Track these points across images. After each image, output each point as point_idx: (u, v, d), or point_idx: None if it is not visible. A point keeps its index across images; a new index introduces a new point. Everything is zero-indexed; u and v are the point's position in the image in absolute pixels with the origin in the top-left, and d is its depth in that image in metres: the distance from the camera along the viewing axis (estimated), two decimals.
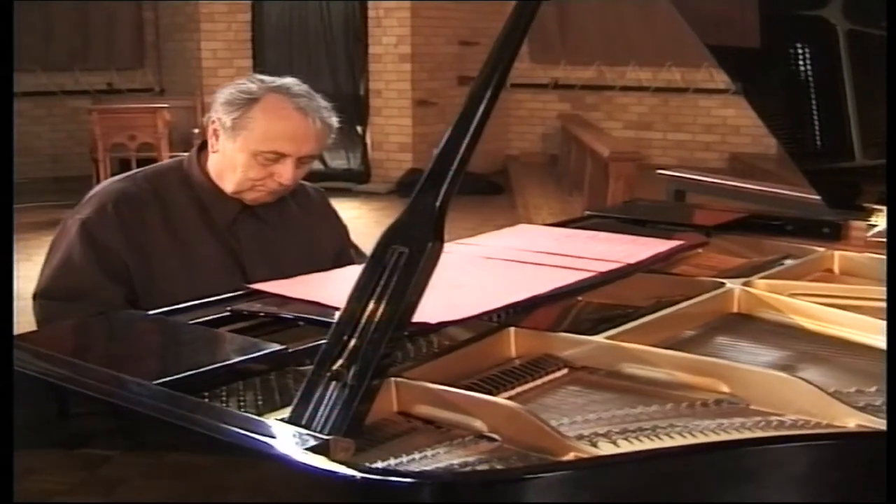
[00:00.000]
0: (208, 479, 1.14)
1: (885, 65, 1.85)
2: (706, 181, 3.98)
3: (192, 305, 1.62)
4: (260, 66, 9.91)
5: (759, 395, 1.35)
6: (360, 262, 2.22)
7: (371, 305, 1.09)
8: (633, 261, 1.83)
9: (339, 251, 2.33)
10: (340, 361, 1.06)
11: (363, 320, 1.09)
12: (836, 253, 2.16)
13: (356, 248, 2.41)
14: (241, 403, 1.33)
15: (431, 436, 1.27)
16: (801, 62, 2.18)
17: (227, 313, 1.55)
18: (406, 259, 1.11)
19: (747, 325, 1.77)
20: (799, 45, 2.15)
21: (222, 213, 2.20)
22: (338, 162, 10.29)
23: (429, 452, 1.21)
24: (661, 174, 4.11)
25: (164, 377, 1.23)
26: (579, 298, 1.84)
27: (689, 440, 1.25)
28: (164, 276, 2.11)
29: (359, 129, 10.22)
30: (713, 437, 1.26)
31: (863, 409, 1.32)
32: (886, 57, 1.76)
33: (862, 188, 2.28)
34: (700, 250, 2.19)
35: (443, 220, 1.14)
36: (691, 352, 1.57)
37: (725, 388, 1.39)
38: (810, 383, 1.33)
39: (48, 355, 1.33)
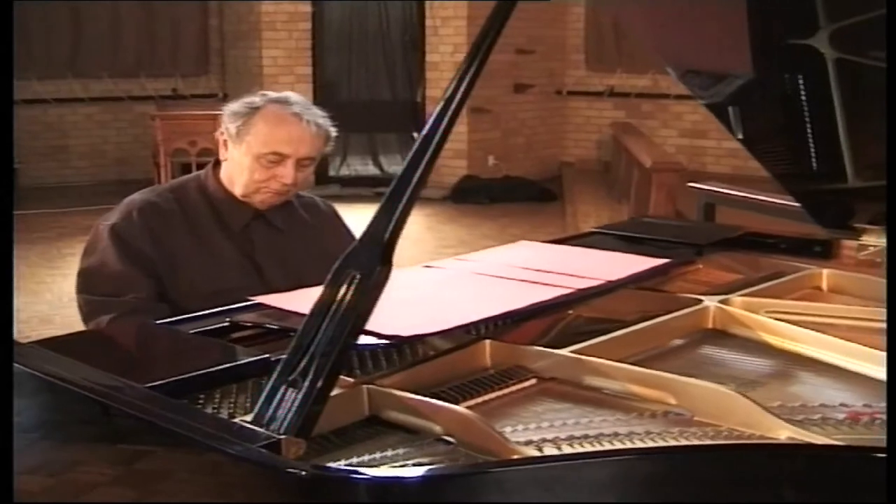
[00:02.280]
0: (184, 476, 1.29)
1: (886, 65, 1.91)
2: (735, 195, 4.06)
3: (198, 315, 1.78)
4: (319, 73, 10.14)
5: (702, 407, 1.46)
6: None
7: (325, 322, 1.23)
8: (614, 278, 1.94)
9: None
10: (297, 371, 1.20)
11: (318, 335, 1.23)
12: (825, 271, 2.25)
13: None
14: (232, 405, 1.48)
15: (397, 438, 1.41)
16: (794, 89, 2.27)
17: (227, 323, 1.70)
18: (357, 282, 1.25)
19: (723, 339, 1.88)
20: (791, 73, 2.24)
21: (236, 218, 2.43)
22: (394, 167, 10.46)
23: (389, 453, 1.35)
24: (691, 187, 4.19)
25: (157, 381, 1.38)
26: (570, 311, 1.97)
27: (629, 446, 1.37)
28: (187, 273, 2.35)
29: (415, 135, 10.37)
30: (650, 444, 1.37)
31: (799, 423, 1.43)
32: (887, 56, 1.83)
33: (854, 209, 2.36)
34: (694, 267, 2.30)
35: (392, 248, 1.28)
36: (666, 362, 1.70)
37: (673, 401, 1.50)
38: (747, 397, 1.44)
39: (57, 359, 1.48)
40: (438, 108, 1.46)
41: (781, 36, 2.17)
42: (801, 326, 1.83)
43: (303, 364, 1.21)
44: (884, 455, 1.21)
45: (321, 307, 1.25)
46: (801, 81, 2.25)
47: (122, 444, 1.41)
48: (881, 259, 2.31)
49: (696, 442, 1.36)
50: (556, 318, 1.93)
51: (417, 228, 8.38)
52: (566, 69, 11.16)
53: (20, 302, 6.12)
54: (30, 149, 10.31)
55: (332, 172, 10.46)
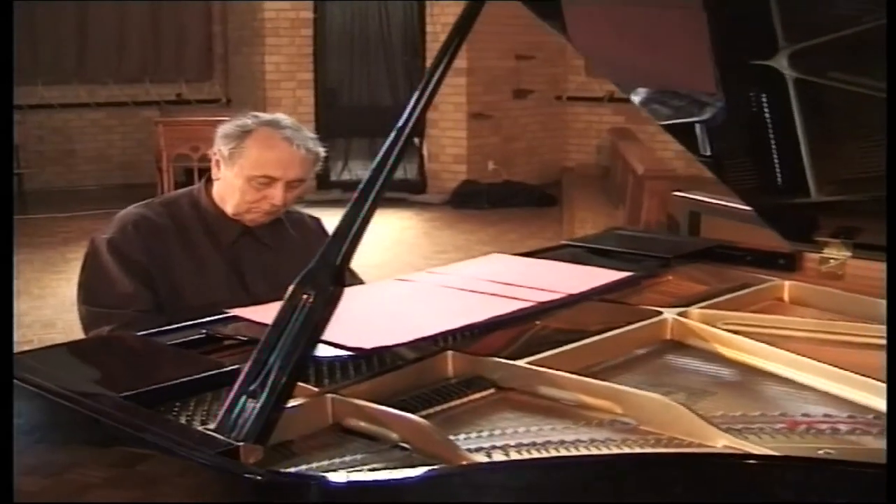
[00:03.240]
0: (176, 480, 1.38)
1: (886, 65, 1.96)
2: (719, 204, 4.13)
3: (178, 327, 1.87)
4: (321, 79, 10.25)
5: (645, 416, 1.55)
6: (352, 283, 2.50)
7: (283, 337, 1.33)
8: (576, 292, 2.03)
9: None
10: (257, 382, 1.30)
11: (276, 349, 1.32)
12: (787, 283, 2.33)
13: (351, 271, 2.66)
14: (205, 413, 1.57)
15: (357, 445, 1.50)
16: (759, 107, 2.35)
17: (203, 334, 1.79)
18: (312, 300, 1.34)
19: (681, 350, 1.97)
20: (755, 92, 2.32)
21: (226, 233, 2.52)
22: (395, 172, 10.56)
23: (347, 458, 1.43)
24: (676, 196, 4.27)
25: (132, 391, 1.48)
26: (537, 322, 2.06)
27: (573, 453, 1.46)
28: (178, 286, 2.45)
29: (416, 140, 10.48)
30: (593, 451, 1.46)
31: (737, 432, 1.52)
32: (887, 57, 1.89)
33: (817, 223, 2.45)
34: (663, 279, 2.39)
35: (344, 270, 1.38)
36: (624, 372, 1.79)
37: (620, 410, 1.59)
38: (687, 407, 1.53)
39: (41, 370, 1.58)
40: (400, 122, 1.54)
41: (744, 57, 2.25)
42: (755, 338, 1.91)
43: (262, 376, 1.30)
44: (804, 464, 1.30)
45: (279, 323, 1.35)
46: (764, 100, 2.33)
47: (117, 447, 1.50)
48: (842, 272, 2.40)
49: (637, 450, 1.45)
50: (523, 329, 2.02)
51: (415, 234, 8.49)
52: (566, 74, 11.25)
53: (24, 306, 6.22)
54: (36, 153, 10.45)
55: (333, 177, 10.57)
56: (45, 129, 10.60)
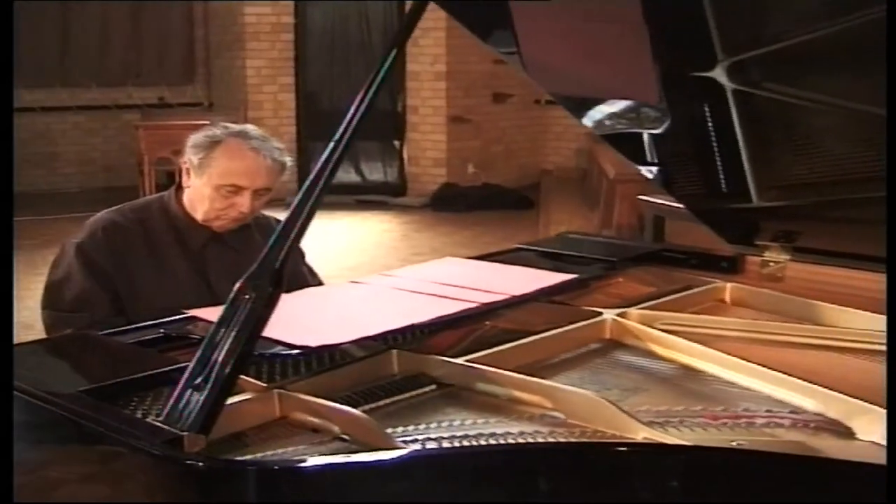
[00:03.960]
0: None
1: (886, 65, 2.04)
2: (681, 208, 4.24)
3: (138, 327, 1.97)
4: (302, 83, 10.35)
5: (572, 410, 1.65)
6: (312, 283, 2.61)
7: (225, 336, 1.43)
8: (519, 293, 2.13)
9: (294, 273, 2.68)
10: (201, 377, 1.39)
11: (219, 346, 1.42)
12: (728, 285, 2.44)
13: (311, 269, 2.78)
14: (160, 406, 1.67)
15: (301, 437, 1.60)
16: (701, 117, 2.46)
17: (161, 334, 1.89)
18: (252, 302, 1.45)
19: (621, 349, 2.07)
20: (698, 102, 2.43)
21: (194, 238, 2.62)
22: (376, 175, 10.69)
23: (290, 449, 1.54)
24: (641, 200, 4.38)
25: (88, 386, 1.58)
26: (487, 322, 2.16)
27: (501, 443, 1.56)
28: (143, 290, 2.54)
29: (396, 144, 10.60)
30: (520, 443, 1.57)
31: (659, 425, 1.62)
32: (886, 57, 1.96)
33: (758, 227, 2.56)
34: (612, 280, 2.50)
35: (282, 274, 1.49)
36: (564, 369, 1.89)
37: (549, 405, 1.69)
38: (613, 403, 1.63)
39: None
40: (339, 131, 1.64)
41: (685, 69, 2.35)
42: (689, 338, 2.02)
43: (205, 371, 1.40)
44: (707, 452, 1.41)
45: (222, 322, 1.45)
46: (707, 110, 2.44)
47: (88, 444, 1.59)
48: (781, 274, 2.51)
49: (561, 440, 1.55)
50: (472, 329, 2.12)
51: (393, 237, 8.59)
52: None
53: None
54: (19, 156, 10.47)
55: None
56: (27, 133, 10.65)
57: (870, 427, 1.60)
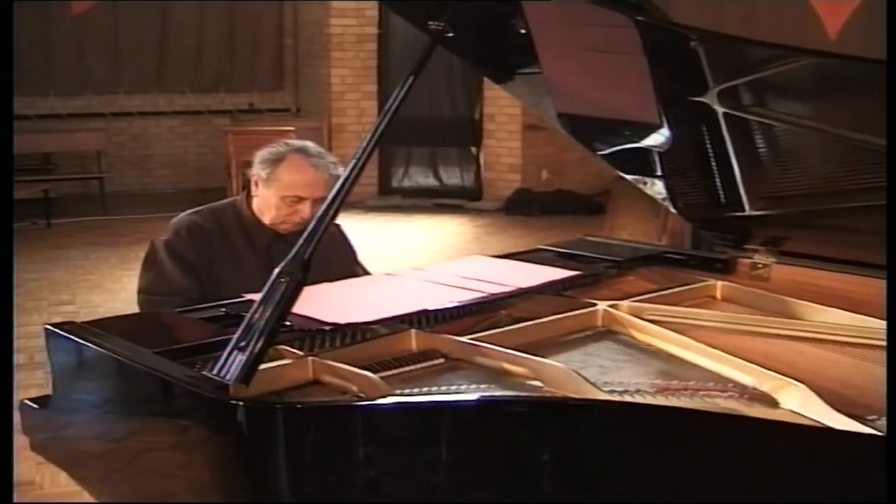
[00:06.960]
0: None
1: (886, 64, 2.30)
2: None
3: (207, 306, 2.42)
4: (384, 91, 10.80)
5: (549, 380, 2.02)
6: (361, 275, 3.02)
7: (264, 310, 1.84)
8: (526, 286, 2.52)
9: (349, 270, 3.10)
10: (244, 341, 1.81)
11: (258, 318, 1.84)
12: (719, 283, 2.79)
13: (363, 267, 3.19)
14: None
15: (329, 393, 2.00)
16: (700, 137, 2.80)
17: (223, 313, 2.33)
18: (285, 285, 1.86)
19: (613, 336, 2.43)
20: (696, 124, 2.77)
21: (262, 238, 3.06)
22: (453, 180, 11.12)
23: (316, 399, 1.95)
24: None
25: (161, 348, 2.02)
26: (502, 311, 2.55)
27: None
28: (223, 279, 2.98)
29: (473, 150, 11.01)
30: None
31: (618, 394, 1.98)
32: (887, 57, 2.22)
33: (750, 233, 2.89)
34: (621, 279, 2.86)
35: (309, 262, 1.90)
36: (560, 349, 2.27)
37: (532, 375, 2.06)
38: (581, 375, 1.98)
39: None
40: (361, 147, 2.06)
41: (682, 94, 2.70)
42: (670, 327, 2.37)
43: (248, 336, 1.81)
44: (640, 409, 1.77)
45: (263, 300, 1.87)
46: (704, 130, 2.78)
47: (174, 419, 1.97)
48: (768, 275, 2.84)
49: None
50: (489, 315, 2.50)
51: (466, 239, 8.97)
52: None
53: (98, 299, 6.89)
54: (116, 158, 11.16)
55: (394, 184, 11.13)
56: (125, 136, 11.30)
57: (789, 399, 1.94)
